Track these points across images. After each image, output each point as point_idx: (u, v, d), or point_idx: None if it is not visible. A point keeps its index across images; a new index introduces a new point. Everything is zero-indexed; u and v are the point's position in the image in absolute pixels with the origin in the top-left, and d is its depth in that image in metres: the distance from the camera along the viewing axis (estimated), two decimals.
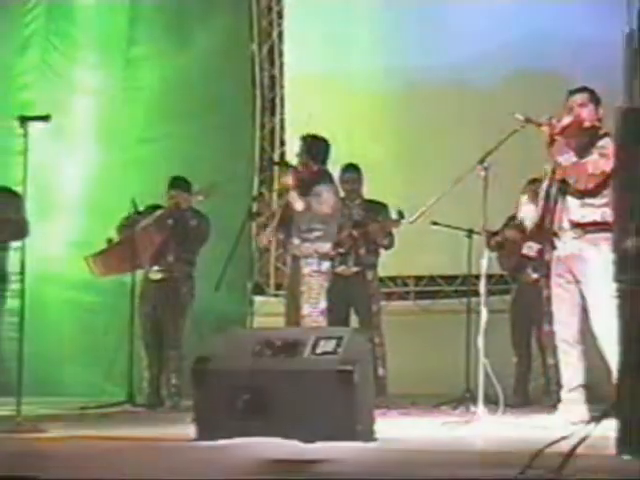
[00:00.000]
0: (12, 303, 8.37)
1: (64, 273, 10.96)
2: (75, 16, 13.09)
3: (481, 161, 7.88)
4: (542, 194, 7.81)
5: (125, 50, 12.82)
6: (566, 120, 7.53)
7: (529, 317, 9.92)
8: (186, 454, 6.41)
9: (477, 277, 8.35)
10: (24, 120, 8.07)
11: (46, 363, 9.53)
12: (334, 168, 9.82)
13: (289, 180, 9.19)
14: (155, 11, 12.64)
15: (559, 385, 7.85)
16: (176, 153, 11.45)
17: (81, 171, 11.95)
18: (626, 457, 5.50)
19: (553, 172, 7.70)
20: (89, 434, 7.39)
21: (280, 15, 12.82)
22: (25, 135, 7.96)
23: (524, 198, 8.33)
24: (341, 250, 9.79)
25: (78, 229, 10.95)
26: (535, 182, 9.05)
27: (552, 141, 7.58)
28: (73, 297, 11.46)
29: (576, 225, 7.48)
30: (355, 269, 9.94)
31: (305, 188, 9.19)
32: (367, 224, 9.93)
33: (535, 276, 9.81)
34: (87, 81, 12.72)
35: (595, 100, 7.61)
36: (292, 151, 10.02)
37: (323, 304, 9.17)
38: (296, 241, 9.32)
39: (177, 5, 12.36)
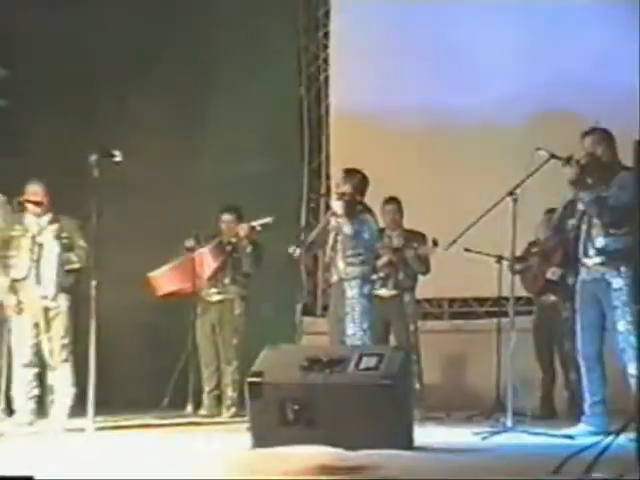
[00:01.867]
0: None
1: (131, 296, 10.96)
2: None
3: (510, 193, 7.85)
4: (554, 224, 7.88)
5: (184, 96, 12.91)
6: (584, 160, 7.51)
7: (550, 336, 9.87)
8: (243, 460, 6.43)
9: (506, 299, 8.34)
10: (100, 157, 8.13)
11: (117, 377, 9.48)
12: (376, 200, 9.84)
13: (339, 208, 9.17)
14: None
15: (582, 398, 7.78)
16: (233, 184, 11.43)
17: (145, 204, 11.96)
18: None
19: (568, 204, 7.71)
20: (153, 439, 7.43)
21: (326, 62, 12.82)
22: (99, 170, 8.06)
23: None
24: (381, 274, 9.79)
25: (144, 256, 10.93)
26: (552, 211, 9.09)
27: (576, 180, 7.55)
28: (139, 318, 11.45)
29: (601, 252, 7.44)
30: (394, 292, 9.90)
31: (350, 217, 9.21)
32: (405, 251, 9.92)
33: (554, 299, 9.78)
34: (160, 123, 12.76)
35: (608, 138, 7.58)
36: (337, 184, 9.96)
37: (366, 324, 9.17)
38: (341, 265, 9.30)
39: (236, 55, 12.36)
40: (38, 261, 8.72)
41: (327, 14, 12.91)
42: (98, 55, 12.45)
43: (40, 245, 8.70)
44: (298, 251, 9.43)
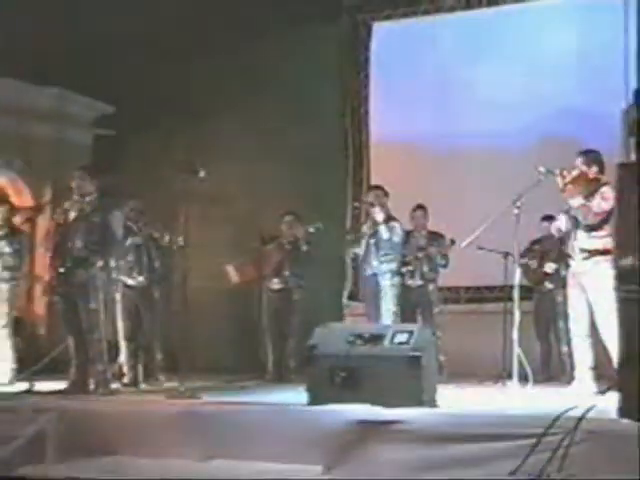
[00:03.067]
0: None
1: (212, 284, 11.02)
2: None
3: (514, 202, 7.90)
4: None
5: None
6: (574, 173, 7.53)
7: (547, 317, 9.92)
8: (302, 415, 6.47)
9: (511, 287, 8.35)
10: (188, 174, 8.16)
11: (198, 347, 9.51)
12: (405, 207, 9.89)
13: (380, 216, 9.24)
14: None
15: (572, 367, 7.80)
16: (293, 196, 11.47)
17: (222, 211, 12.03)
18: (625, 420, 5.47)
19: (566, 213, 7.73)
20: (232, 400, 7.47)
21: (366, 99, 12.85)
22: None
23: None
24: (410, 268, 9.81)
25: (222, 251, 11.00)
26: (547, 218, 9.13)
27: (565, 189, 7.58)
28: (219, 301, 11.49)
29: (585, 251, 7.46)
30: (420, 282, 9.90)
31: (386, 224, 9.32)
32: (428, 249, 9.93)
33: (550, 287, 9.79)
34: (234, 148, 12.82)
35: (596, 159, 7.58)
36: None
37: (396, 308, 9.24)
38: (375, 262, 9.39)
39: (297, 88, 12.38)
40: None
41: (367, 60, 12.92)
42: (182, 97, 12.53)
43: None
44: (360, 250, 9.67)
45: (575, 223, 7.60)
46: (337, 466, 5.93)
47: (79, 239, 8.08)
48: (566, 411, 5.71)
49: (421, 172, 11.75)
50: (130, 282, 9.29)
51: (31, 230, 10.39)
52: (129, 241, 9.25)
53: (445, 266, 10.09)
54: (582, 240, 7.54)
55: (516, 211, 7.96)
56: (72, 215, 8.18)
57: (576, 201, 7.54)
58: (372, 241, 9.47)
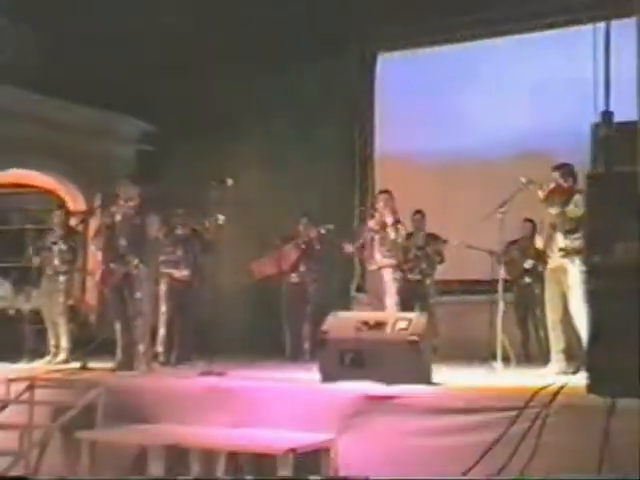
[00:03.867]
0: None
1: (240, 277, 11.04)
2: None
3: (500, 207, 7.93)
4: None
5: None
6: (552, 185, 7.55)
7: (526, 307, 9.88)
8: (315, 390, 6.48)
9: (496, 281, 8.36)
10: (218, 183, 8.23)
11: (225, 332, 9.53)
12: (406, 211, 9.90)
13: (390, 219, 9.25)
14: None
15: (548, 349, 7.79)
16: (308, 202, 11.46)
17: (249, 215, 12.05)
18: (592, 395, 5.47)
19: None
20: (255, 376, 7.49)
21: (372, 118, 12.86)
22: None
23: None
24: (410, 265, 9.81)
25: (248, 250, 11.00)
26: (527, 221, 9.13)
27: (545, 198, 7.59)
28: (245, 292, 11.50)
29: (561, 249, 7.47)
30: (418, 277, 9.90)
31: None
32: (426, 248, 9.93)
33: (529, 281, 9.77)
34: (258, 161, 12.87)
35: (570, 172, 7.59)
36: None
37: (397, 298, 9.22)
38: (378, 257, 9.36)
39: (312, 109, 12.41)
40: None
41: (372, 85, 12.93)
42: (212, 117, 12.56)
43: None
44: (350, 247, 9.56)
45: (552, 226, 7.61)
46: (345, 433, 5.97)
47: (123, 239, 8.17)
48: (543, 388, 5.75)
49: (419, 181, 11.74)
50: (177, 275, 9.33)
51: (84, 230, 10.42)
52: (171, 239, 9.33)
53: (440, 262, 10.09)
54: (560, 241, 7.54)
55: (500, 215, 7.98)
56: (118, 218, 8.27)
57: (554, 209, 7.56)
58: (377, 237, 9.43)
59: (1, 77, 12.04)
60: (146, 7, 11.49)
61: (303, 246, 10.24)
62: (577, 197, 7.29)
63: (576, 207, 7.27)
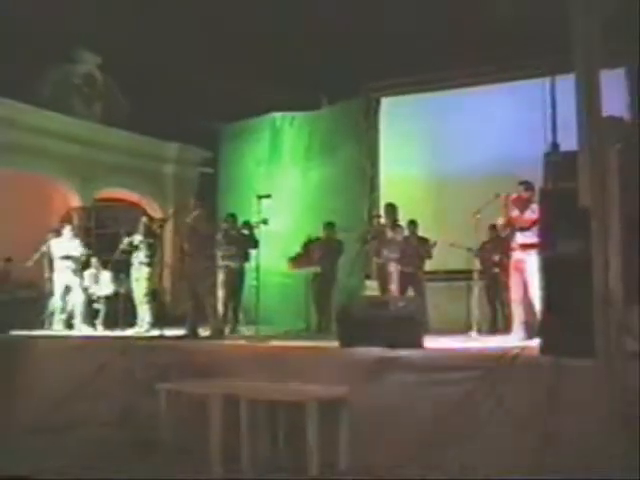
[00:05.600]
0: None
1: (278, 267, 11.05)
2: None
3: (476, 213, 7.93)
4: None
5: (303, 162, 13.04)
6: (514, 195, 7.51)
7: (494, 290, 9.76)
8: (336, 353, 6.52)
9: (472, 271, 8.37)
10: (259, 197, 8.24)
11: (266, 309, 9.49)
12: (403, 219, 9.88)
13: (391, 224, 9.32)
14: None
15: (511, 322, 7.75)
16: (328, 210, 11.46)
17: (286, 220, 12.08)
18: (545, 356, 5.47)
19: (507, 222, 7.68)
20: (289, 344, 7.51)
21: (377, 141, 12.81)
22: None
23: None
24: (406, 260, 9.73)
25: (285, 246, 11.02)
26: (493, 226, 9.08)
27: (507, 206, 7.57)
28: (280, 280, 11.52)
29: (522, 246, 7.43)
30: (412, 269, 9.84)
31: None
32: (418, 247, 9.89)
33: (496, 271, 9.69)
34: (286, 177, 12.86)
35: (529, 186, 7.54)
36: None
37: (397, 285, 9.22)
38: (384, 253, 9.38)
39: (325, 133, 12.39)
40: None
41: (377, 121, 12.92)
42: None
43: None
44: (361, 243, 9.69)
45: (513, 227, 7.58)
46: (359, 386, 5.97)
47: (190, 240, 8.26)
48: (508, 350, 5.75)
49: (415, 195, 11.74)
50: (232, 265, 9.33)
51: (161, 233, 10.51)
52: (227, 239, 9.36)
53: (429, 258, 10.02)
54: (520, 238, 7.50)
55: (475, 220, 7.98)
56: (189, 224, 8.35)
57: (514, 213, 7.53)
58: (383, 238, 9.44)
59: (100, 119, 12.18)
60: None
61: (326, 244, 10.23)
62: (533, 205, 7.27)
63: (532, 213, 7.25)
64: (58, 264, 10.02)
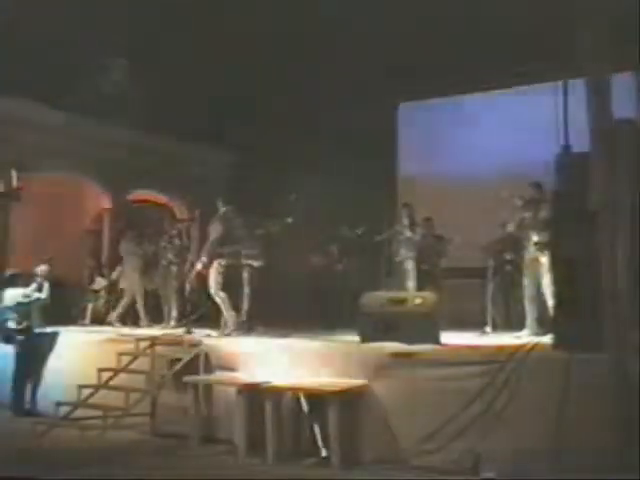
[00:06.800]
0: None
1: (296, 265, 10.92)
2: None
3: (488, 215, 7.92)
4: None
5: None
6: (527, 197, 7.51)
7: (507, 288, 9.61)
8: (355, 348, 6.54)
9: (486, 269, 8.36)
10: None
11: (288, 307, 9.46)
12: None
13: (406, 221, 9.37)
14: None
15: (524, 318, 7.72)
16: (351, 211, 11.41)
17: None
18: (555, 351, 5.49)
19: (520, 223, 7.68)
20: (310, 337, 7.48)
21: (395, 149, 12.84)
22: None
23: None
24: (422, 257, 9.67)
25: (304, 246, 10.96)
26: (503, 225, 9.01)
27: (522, 207, 7.56)
28: (302, 277, 11.22)
29: (535, 244, 7.41)
30: (429, 267, 9.68)
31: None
32: (435, 245, 9.87)
33: (509, 269, 9.55)
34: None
35: (540, 188, 7.52)
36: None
37: (415, 282, 9.22)
38: (402, 252, 9.38)
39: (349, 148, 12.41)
40: None
41: (396, 125, 12.94)
42: (281, 150, 12.57)
43: None
44: (379, 237, 9.67)
45: (526, 227, 7.57)
46: (377, 380, 6.02)
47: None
48: (521, 346, 5.77)
49: (432, 196, 11.67)
50: (255, 264, 9.25)
51: (188, 233, 10.59)
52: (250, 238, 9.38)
53: (445, 255, 10.02)
54: (533, 237, 7.49)
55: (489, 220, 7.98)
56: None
57: (527, 214, 7.53)
58: (401, 237, 9.45)
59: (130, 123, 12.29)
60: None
61: (344, 244, 10.24)
62: (545, 205, 7.27)
63: (545, 212, 7.25)
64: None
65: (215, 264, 8.09)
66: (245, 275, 9.28)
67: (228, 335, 7.84)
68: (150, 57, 11.34)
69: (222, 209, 8.30)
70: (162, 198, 13.61)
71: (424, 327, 6.41)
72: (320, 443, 6.00)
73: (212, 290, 8.06)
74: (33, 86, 9.95)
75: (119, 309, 9.96)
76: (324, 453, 5.92)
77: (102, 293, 10.78)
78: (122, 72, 12.78)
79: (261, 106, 12.10)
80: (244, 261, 9.08)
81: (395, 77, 11.69)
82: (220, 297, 8.06)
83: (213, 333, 8.02)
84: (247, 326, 8.27)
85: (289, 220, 8.72)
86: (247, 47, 11.47)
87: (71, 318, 10.07)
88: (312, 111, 12.23)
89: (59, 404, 6.73)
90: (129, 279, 10.09)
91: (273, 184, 11.99)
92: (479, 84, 11.67)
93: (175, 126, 12.01)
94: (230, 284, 8.30)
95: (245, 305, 9.12)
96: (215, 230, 8.15)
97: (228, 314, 8.05)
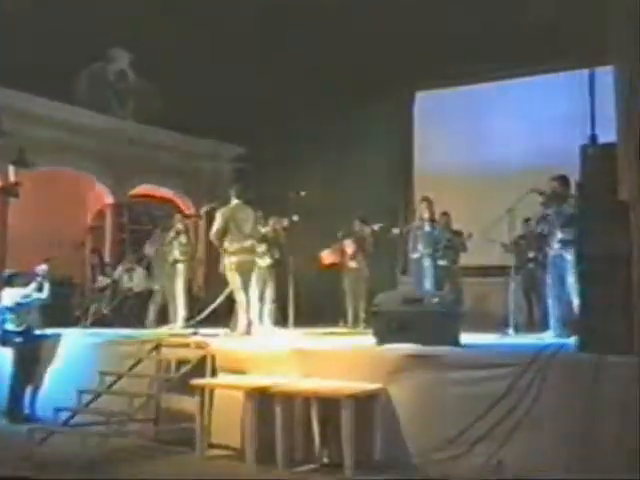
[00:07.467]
0: None
1: (309, 264, 10.88)
2: None
3: (509, 210, 7.80)
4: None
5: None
6: (550, 192, 7.40)
7: (531, 286, 9.57)
8: (370, 350, 6.49)
9: (509, 267, 8.29)
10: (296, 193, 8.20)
11: (303, 306, 9.42)
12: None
13: (426, 216, 9.24)
14: None
15: (548, 318, 7.64)
16: (363, 204, 11.38)
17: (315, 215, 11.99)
18: (581, 353, 5.42)
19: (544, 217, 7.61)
20: (323, 339, 7.48)
21: (411, 142, 12.83)
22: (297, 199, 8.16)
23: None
24: (440, 253, 9.63)
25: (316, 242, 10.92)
26: (527, 220, 8.92)
27: (544, 202, 7.47)
28: (317, 275, 11.09)
29: (560, 241, 7.32)
30: (446, 263, 9.70)
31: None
32: (453, 240, 9.82)
33: (532, 267, 9.50)
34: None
35: (565, 181, 7.42)
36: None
37: (433, 280, 9.16)
38: (420, 248, 9.32)
39: (363, 138, 12.36)
40: None
41: (412, 116, 12.90)
42: (290, 144, 12.54)
43: None
44: (396, 230, 9.69)
45: (550, 223, 7.48)
46: (392, 384, 5.97)
47: None
48: (545, 348, 5.69)
49: (449, 189, 11.61)
50: (262, 263, 9.23)
51: (195, 229, 10.58)
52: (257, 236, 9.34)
53: (464, 251, 9.94)
54: (558, 235, 7.39)
55: (508, 216, 7.88)
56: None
57: (551, 210, 7.43)
58: (419, 233, 9.39)
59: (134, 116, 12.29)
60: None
61: (359, 240, 10.20)
62: (570, 200, 7.18)
63: (569, 208, 7.16)
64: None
65: (226, 262, 8.03)
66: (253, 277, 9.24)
67: (237, 336, 7.80)
68: (157, 46, 11.33)
69: (234, 201, 8.20)
70: (167, 193, 13.60)
71: (442, 328, 6.34)
72: (332, 448, 5.95)
73: (234, 290, 8.02)
74: (32, 76, 9.94)
75: (152, 313, 9.91)
76: (336, 459, 5.87)
77: (107, 293, 10.77)
78: (125, 62, 12.79)
79: (272, 99, 12.08)
80: (250, 258, 9.02)
81: (411, 65, 11.64)
82: (239, 299, 8.01)
83: (221, 333, 7.99)
84: (248, 329, 8.08)
85: (295, 218, 8.64)
86: (257, 35, 11.47)
87: (73, 319, 10.07)
88: (325, 102, 12.21)
89: (58, 410, 6.68)
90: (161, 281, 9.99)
91: (283, 179, 11.99)
92: (499, 72, 11.61)
93: (182, 119, 12.02)
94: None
95: (255, 305, 9.00)
96: (216, 222, 8.07)
97: (241, 316, 7.98)
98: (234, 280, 8.01)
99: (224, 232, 8.01)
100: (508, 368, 5.51)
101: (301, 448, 6.16)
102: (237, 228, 8.06)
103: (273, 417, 6.01)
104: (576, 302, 6.66)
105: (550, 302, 7.52)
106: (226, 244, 8.01)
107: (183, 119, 11.98)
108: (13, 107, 10.58)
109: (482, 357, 5.82)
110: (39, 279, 8.29)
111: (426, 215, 9.36)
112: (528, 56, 10.78)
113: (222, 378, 6.80)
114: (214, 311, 8.85)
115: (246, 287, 8.05)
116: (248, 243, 8.13)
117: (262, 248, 9.15)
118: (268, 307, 9.31)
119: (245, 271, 8.08)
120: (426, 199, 9.52)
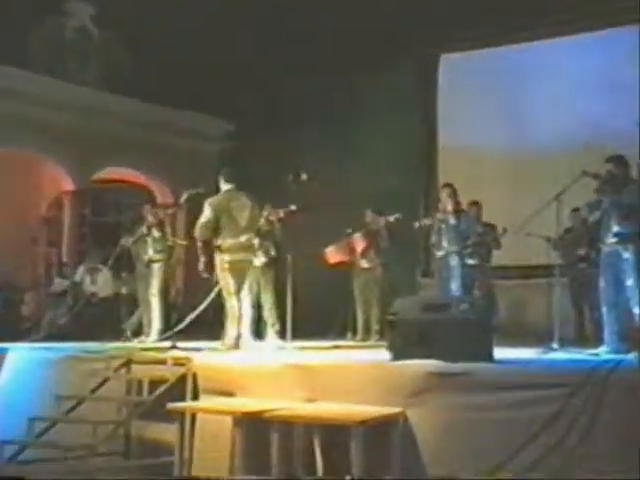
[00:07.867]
0: None
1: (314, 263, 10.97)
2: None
3: (556, 197, 7.75)
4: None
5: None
6: (606, 176, 7.36)
7: (581, 290, 9.62)
8: (385, 368, 6.45)
9: (552, 266, 8.27)
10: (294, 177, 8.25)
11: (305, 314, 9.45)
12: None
13: (450, 206, 9.23)
14: None
15: (603, 330, 7.62)
16: (378, 193, 11.43)
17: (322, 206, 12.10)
18: None
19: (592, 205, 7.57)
20: (328, 353, 7.46)
21: (434, 115, 12.85)
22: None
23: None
24: (469, 250, 9.63)
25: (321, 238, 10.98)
26: (576, 210, 8.91)
27: (599, 189, 7.43)
28: (320, 275, 11.24)
29: (615, 235, 7.29)
30: (477, 262, 9.74)
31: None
32: (484, 235, 9.82)
33: (582, 266, 9.54)
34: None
35: (623, 162, 7.38)
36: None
37: (461, 282, 9.15)
38: (445, 244, 9.31)
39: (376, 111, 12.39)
40: None
41: (435, 85, 12.93)
42: (289, 118, 12.61)
43: None
44: (417, 223, 9.63)
45: (606, 214, 7.45)
46: (412, 407, 5.96)
47: None
48: (598, 366, 5.68)
49: (480, 173, 11.67)
50: (255, 262, 9.13)
51: (172, 222, 10.54)
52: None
53: (497, 248, 9.95)
54: (614, 228, 7.37)
55: (556, 204, 7.82)
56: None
57: (607, 198, 7.40)
58: (443, 227, 9.37)
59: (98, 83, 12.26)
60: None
61: (372, 234, 10.20)
62: (631, 186, 7.15)
63: (629, 196, 7.12)
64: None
65: (218, 261, 7.96)
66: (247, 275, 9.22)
67: (224, 350, 7.79)
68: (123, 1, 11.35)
69: (225, 187, 8.13)
70: (139, 177, 13.56)
71: (471, 340, 6.33)
72: None
73: (225, 294, 7.99)
74: None
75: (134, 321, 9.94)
76: None
77: (65, 298, 10.79)
78: (85, 17, 12.74)
79: (265, 65, 12.10)
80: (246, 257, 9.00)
81: (434, 21, 11.66)
82: (230, 305, 7.96)
83: (204, 347, 7.98)
84: (237, 342, 8.05)
85: (293, 207, 8.63)
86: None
87: (21, 331, 10.07)
88: (328, 68, 12.22)
89: (3, 443, 6.65)
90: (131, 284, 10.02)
91: (278, 161, 12.00)
92: (541, 29, 11.60)
93: (156, 87, 12.00)
94: None
95: (249, 313, 8.94)
96: (204, 214, 7.96)
97: (230, 327, 7.94)
98: (227, 283, 7.94)
99: (214, 226, 7.90)
100: (555, 390, 5.49)
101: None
102: (231, 220, 7.98)
103: (268, 448, 6.01)
104: (636, 310, 6.64)
105: (604, 310, 7.50)
106: (219, 240, 7.91)
107: (158, 87, 11.94)
108: None
109: (520, 376, 5.82)
110: None
111: (449, 207, 9.30)
112: (577, 8, 10.78)
113: (206, 401, 6.80)
114: (196, 320, 8.82)
115: (238, 292, 8.02)
116: (244, 238, 8.06)
117: (254, 242, 9.13)
118: (268, 318, 9.27)
119: (239, 272, 8.02)
120: (448, 186, 9.48)
